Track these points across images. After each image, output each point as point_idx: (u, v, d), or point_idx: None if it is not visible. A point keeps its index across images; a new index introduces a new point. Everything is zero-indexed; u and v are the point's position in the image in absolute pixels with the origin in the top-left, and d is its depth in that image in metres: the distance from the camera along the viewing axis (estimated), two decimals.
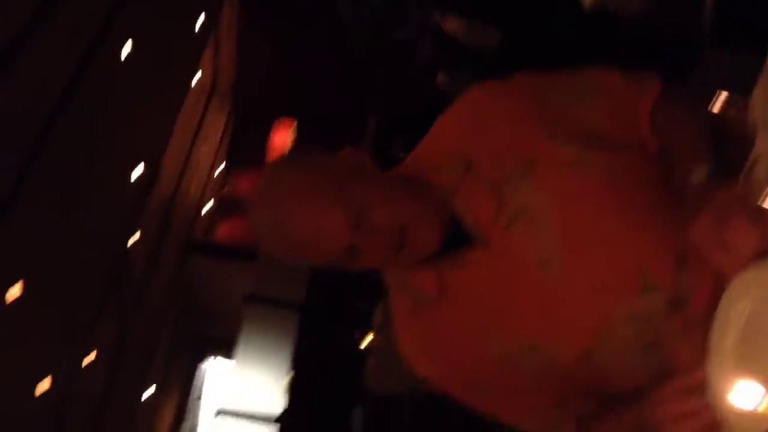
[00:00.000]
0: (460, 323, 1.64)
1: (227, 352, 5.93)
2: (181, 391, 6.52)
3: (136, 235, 4.40)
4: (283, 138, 5.48)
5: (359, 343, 4.77)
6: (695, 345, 1.49)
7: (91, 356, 4.40)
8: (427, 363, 1.71)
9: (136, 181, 4.11)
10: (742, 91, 1.49)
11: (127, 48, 3.71)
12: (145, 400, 5.59)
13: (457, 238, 1.58)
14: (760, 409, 1.17)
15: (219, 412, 5.73)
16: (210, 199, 5.44)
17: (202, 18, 4.07)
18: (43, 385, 3.86)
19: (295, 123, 5.16)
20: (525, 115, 1.60)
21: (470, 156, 1.60)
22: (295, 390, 5.33)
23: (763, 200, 1.22)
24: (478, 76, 3.65)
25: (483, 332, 1.62)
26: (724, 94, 1.59)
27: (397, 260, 1.56)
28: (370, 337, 4.60)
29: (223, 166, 5.48)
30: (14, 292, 3.22)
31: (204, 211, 5.41)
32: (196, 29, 4.01)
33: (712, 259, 1.40)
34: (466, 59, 3.69)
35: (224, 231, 5.29)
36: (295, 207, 1.51)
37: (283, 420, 5.37)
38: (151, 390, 5.67)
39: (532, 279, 1.55)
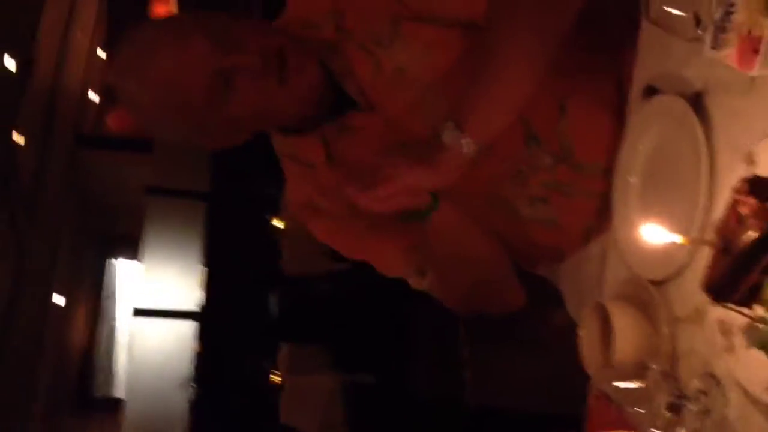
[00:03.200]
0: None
1: (133, 249, 5.73)
2: (92, 293, 6.37)
3: (21, 139, 4.11)
4: (163, 13, 5.09)
5: (272, 228, 4.63)
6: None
7: None
8: (316, 220, 1.68)
9: (8, 72, 3.77)
10: None
11: None
12: (54, 304, 5.43)
13: (339, 102, 1.51)
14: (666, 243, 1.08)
15: (137, 312, 5.57)
16: (94, 88, 5.09)
17: None
18: None
19: None
20: None
21: (341, 9, 1.50)
22: (210, 283, 5.20)
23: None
24: None
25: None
26: None
27: (280, 96, 1.42)
28: (282, 222, 4.46)
29: (103, 52, 5.08)
30: None
31: (89, 100, 5.06)
32: None
33: None
34: None
35: (114, 121, 4.95)
36: (153, 49, 1.39)
37: (202, 315, 5.27)
38: (60, 294, 5.51)
39: (420, 140, 1.46)
